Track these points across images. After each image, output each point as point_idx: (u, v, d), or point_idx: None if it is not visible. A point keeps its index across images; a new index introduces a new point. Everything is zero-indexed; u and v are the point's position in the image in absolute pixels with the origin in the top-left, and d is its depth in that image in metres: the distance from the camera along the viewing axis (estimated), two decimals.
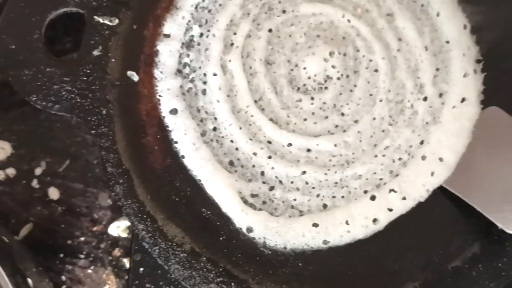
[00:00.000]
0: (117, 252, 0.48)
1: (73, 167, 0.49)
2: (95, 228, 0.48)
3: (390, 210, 0.40)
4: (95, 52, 0.42)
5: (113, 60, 0.42)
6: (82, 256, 0.48)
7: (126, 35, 0.43)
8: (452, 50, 0.43)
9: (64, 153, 0.49)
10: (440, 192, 0.41)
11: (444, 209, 0.41)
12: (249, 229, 0.40)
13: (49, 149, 0.49)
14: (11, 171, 0.49)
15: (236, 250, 0.40)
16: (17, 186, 0.49)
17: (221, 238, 0.40)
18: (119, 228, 0.48)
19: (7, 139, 0.50)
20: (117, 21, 0.42)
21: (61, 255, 0.47)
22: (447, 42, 0.43)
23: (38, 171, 0.49)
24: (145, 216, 0.40)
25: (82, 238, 0.48)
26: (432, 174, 0.41)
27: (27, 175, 0.49)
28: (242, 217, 0.40)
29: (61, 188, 0.49)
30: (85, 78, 0.42)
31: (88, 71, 0.42)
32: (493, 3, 0.44)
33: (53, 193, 0.49)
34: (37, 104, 0.41)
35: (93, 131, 0.41)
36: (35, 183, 0.49)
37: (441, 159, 0.41)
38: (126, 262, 0.46)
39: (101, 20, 0.42)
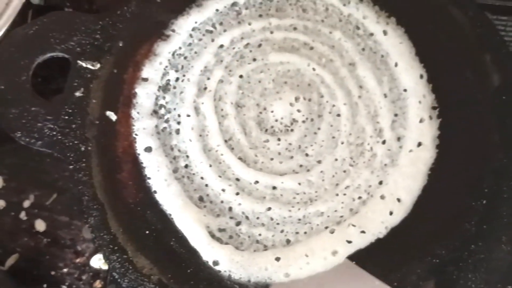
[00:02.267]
0: (98, 284, 0.49)
1: (60, 200, 0.51)
2: (78, 260, 0.49)
3: (349, 242, 0.41)
4: (77, 93, 0.45)
5: (93, 101, 0.45)
6: (64, 287, 0.49)
7: (106, 78, 0.45)
8: (409, 98, 0.45)
9: (52, 187, 0.51)
10: (397, 231, 0.42)
11: (400, 246, 0.42)
12: (215, 263, 0.42)
13: (38, 183, 0.51)
14: (1, 203, 0.51)
15: (202, 282, 0.41)
16: (6, 218, 0.50)
17: (188, 271, 0.41)
18: (100, 261, 0.49)
19: None
20: (98, 65, 0.45)
21: (45, 286, 0.48)
22: (405, 90, 0.46)
23: (26, 203, 0.51)
24: (116, 248, 0.42)
25: (65, 270, 0.49)
26: (391, 213, 0.42)
27: (16, 207, 0.51)
28: (208, 251, 0.42)
29: (48, 220, 0.50)
30: (66, 117, 0.44)
31: (70, 110, 0.45)
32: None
33: (40, 225, 0.50)
34: (21, 140, 0.44)
35: (71, 166, 0.43)
36: (23, 215, 0.50)
37: (398, 200, 0.43)
38: None
39: (84, 65, 0.45)
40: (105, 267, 0.49)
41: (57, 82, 0.53)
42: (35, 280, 0.49)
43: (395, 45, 0.47)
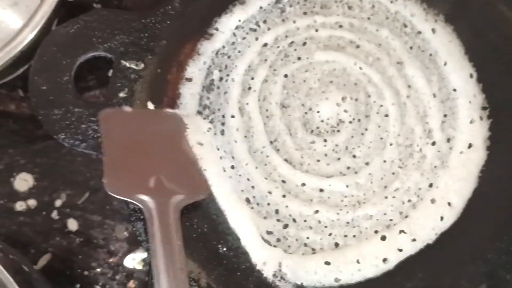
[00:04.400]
0: (132, 284, 0.49)
1: (92, 200, 0.50)
2: (111, 260, 0.49)
3: (400, 250, 0.41)
4: (121, 94, 0.44)
5: (138, 102, 0.44)
6: (98, 287, 0.48)
7: (150, 78, 0.44)
8: (459, 98, 0.45)
9: (84, 186, 0.50)
10: (446, 234, 0.42)
11: (451, 251, 0.42)
12: (265, 265, 0.41)
13: (69, 182, 0.51)
14: (32, 202, 0.50)
15: (250, 286, 0.41)
16: (38, 217, 0.50)
17: (237, 274, 0.41)
18: (134, 260, 0.49)
19: (30, 171, 0.51)
20: (142, 65, 0.44)
21: (78, 286, 0.48)
22: (454, 90, 0.45)
23: (58, 202, 0.50)
24: None
25: (98, 269, 0.49)
26: (442, 218, 0.42)
27: (47, 206, 0.50)
28: (259, 253, 0.42)
29: (80, 219, 0.50)
30: None
31: None
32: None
33: (72, 225, 0.50)
34: (65, 142, 0.43)
35: None
36: (54, 215, 0.50)
37: (449, 204, 0.42)
38: None
39: (127, 65, 0.44)
40: (139, 267, 0.49)
41: (87, 80, 0.52)
42: (68, 281, 0.48)
43: (444, 43, 0.46)
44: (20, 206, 0.50)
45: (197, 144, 0.43)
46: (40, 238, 0.49)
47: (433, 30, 0.46)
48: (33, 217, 0.50)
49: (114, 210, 0.50)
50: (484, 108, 0.45)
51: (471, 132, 0.44)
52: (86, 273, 0.49)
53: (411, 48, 0.46)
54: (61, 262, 0.49)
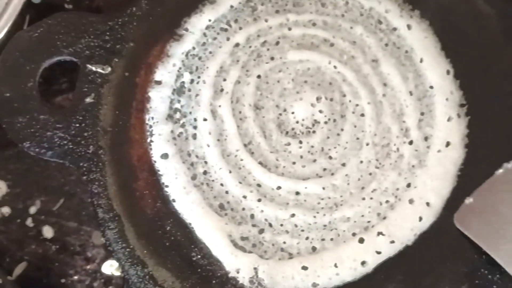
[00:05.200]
0: None
1: (67, 206, 0.49)
2: (88, 267, 0.48)
3: (379, 252, 0.40)
4: (88, 99, 0.43)
5: (105, 107, 0.43)
6: None
7: (118, 82, 0.43)
8: (436, 95, 0.44)
9: (58, 192, 0.50)
10: (426, 235, 0.41)
11: (430, 251, 0.41)
12: (239, 272, 0.40)
13: (44, 188, 0.50)
14: (6, 210, 0.49)
15: None
16: (12, 225, 0.49)
17: (212, 282, 0.40)
18: (112, 267, 0.48)
19: (2, 178, 0.50)
20: (109, 69, 0.43)
21: None
22: (431, 87, 0.44)
23: (32, 209, 0.49)
24: (135, 261, 0.40)
25: (75, 277, 0.48)
26: (420, 219, 0.41)
27: (22, 213, 0.49)
28: (232, 260, 0.40)
29: (55, 226, 0.49)
30: (77, 125, 0.42)
31: (81, 118, 0.43)
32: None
33: (47, 232, 0.49)
34: (30, 151, 0.42)
35: (84, 177, 0.42)
36: (29, 222, 0.49)
37: (428, 204, 0.41)
38: None
39: (93, 69, 0.43)
40: (117, 273, 0.48)
41: (59, 83, 0.51)
42: None
43: (419, 39, 0.45)
44: None
45: (160, 158, 0.42)
46: (15, 246, 0.49)
47: (409, 26, 0.45)
48: (7, 225, 0.49)
49: (90, 215, 0.49)
50: (462, 105, 0.44)
51: (448, 130, 0.43)
52: (63, 280, 0.48)
53: (386, 45, 0.45)
54: (37, 270, 0.48)
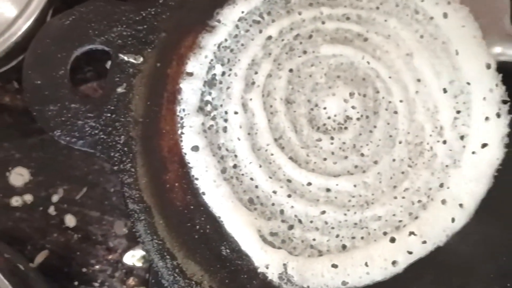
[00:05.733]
0: (131, 281, 0.48)
1: (90, 195, 0.50)
2: (110, 257, 0.49)
3: (410, 253, 0.40)
4: (119, 89, 0.42)
5: (136, 97, 0.42)
6: (96, 284, 0.48)
7: (150, 73, 0.43)
8: (473, 92, 0.42)
9: (81, 181, 0.50)
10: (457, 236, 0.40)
11: (461, 252, 0.41)
12: (268, 268, 0.40)
13: (67, 177, 0.50)
14: (28, 198, 0.50)
15: None
16: (34, 213, 0.49)
17: (241, 276, 0.40)
18: (134, 257, 0.48)
19: (25, 166, 0.50)
20: (141, 59, 0.43)
21: (76, 283, 0.48)
22: (468, 83, 0.43)
23: (55, 198, 0.50)
24: (165, 254, 0.40)
25: (97, 266, 0.48)
26: (453, 220, 0.40)
27: (44, 202, 0.50)
28: (261, 256, 0.40)
29: (78, 215, 0.49)
30: (109, 115, 0.42)
31: (112, 107, 0.42)
32: None
33: (70, 221, 0.49)
34: (61, 139, 0.41)
35: (115, 167, 0.41)
36: (52, 210, 0.49)
37: (461, 205, 0.41)
38: None
39: (125, 58, 0.43)
40: (139, 264, 0.48)
41: (84, 72, 0.51)
42: (66, 278, 0.48)
43: (456, 28, 0.43)
44: (16, 201, 0.50)
45: (191, 151, 0.42)
46: (37, 235, 0.49)
47: (445, 15, 0.43)
48: (30, 213, 0.50)
49: (113, 205, 0.50)
50: (504, 102, 0.42)
51: (485, 130, 0.42)
52: (84, 270, 0.48)
53: (421, 37, 0.44)
54: (59, 259, 0.49)
